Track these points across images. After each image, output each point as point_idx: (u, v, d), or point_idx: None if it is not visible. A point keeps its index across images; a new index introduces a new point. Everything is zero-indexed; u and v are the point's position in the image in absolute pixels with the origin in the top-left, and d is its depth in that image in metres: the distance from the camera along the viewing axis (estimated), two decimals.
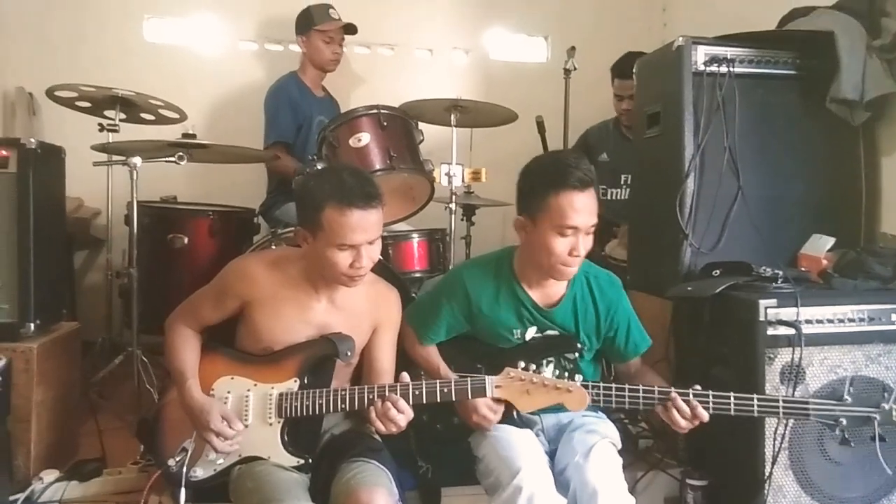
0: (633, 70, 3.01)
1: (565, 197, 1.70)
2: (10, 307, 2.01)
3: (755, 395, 1.67)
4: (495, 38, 4.13)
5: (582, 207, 1.70)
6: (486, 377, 1.67)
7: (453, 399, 1.69)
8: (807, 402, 1.68)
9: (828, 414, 1.66)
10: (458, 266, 2.25)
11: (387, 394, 1.67)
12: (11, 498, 1.88)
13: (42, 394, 2.05)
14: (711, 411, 1.67)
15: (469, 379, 1.68)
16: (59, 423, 2.17)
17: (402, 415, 1.66)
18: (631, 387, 1.73)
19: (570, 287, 1.87)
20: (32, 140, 2.07)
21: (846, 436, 1.68)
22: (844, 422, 1.65)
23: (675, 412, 1.67)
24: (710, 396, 1.67)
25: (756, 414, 1.67)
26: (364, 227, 1.68)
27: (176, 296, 1.94)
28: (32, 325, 2.05)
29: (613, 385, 1.74)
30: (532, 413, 1.89)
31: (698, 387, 1.69)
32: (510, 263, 1.90)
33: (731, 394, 1.67)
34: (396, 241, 2.79)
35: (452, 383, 1.69)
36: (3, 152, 2.03)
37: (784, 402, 1.68)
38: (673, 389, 1.69)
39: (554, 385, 1.63)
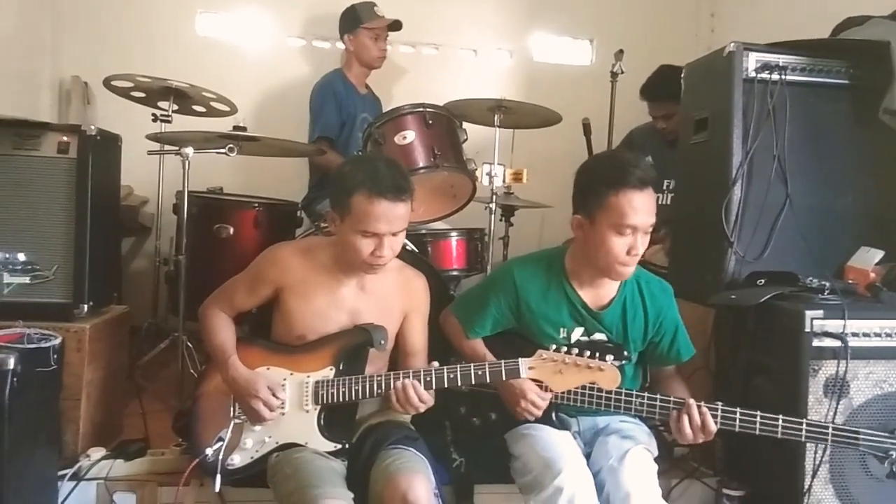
0: (657, 90, 3.05)
1: (625, 196, 1.70)
2: (65, 288, 2.07)
3: (804, 420, 1.66)
4: (540, 40, 4.13)
5: (641, 207, 1.70)
6: (520, 359, 1.69)
7: (487, 381, 1.72)
8: (857, 433, 1.66)
9: (878, 446, 1.65)
10: (507, 261, 2.26)
11: (407, 380, 1.72)
12: (60, 472, 1.93)
13: (92, 373, 2.11)
14: (758, 432, 1.67)
15: (503, 361, 1.71)
16: (107, 402, 2.23)
17: (423, 403, 1.72)
18: (649, 395, 1.78)
19: (621, 290, 1.87)
20: (93, 127, 2.13)
21: (895, 469, 1.65)
22: (894, 455, 1.63)
23: (685, 419, 1.68)
24: (758, 417, 1.67)
25: (804, 439, 1.67)
26: (389, 217, 1.73)
27: (219, 284, 1.99)
28: (86, 307, 2.11)
29: (634, 393, 1.79)
30: (569, 415, 1.91)
31: (720, 404, 1.70)
32: (561, 262, 1.90)
33: (780, 416, 1.66)
34: (435, 240, 2.81)
35: (486, 365, 1.72)
36: (65, 138, 2.09)
37: (834, 429, 1.67)
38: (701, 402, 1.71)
39: (586, 364, 1.65)
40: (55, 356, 1.78)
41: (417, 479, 1.63)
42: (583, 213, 1.79)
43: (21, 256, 1.54)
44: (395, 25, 3.46)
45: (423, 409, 1.74)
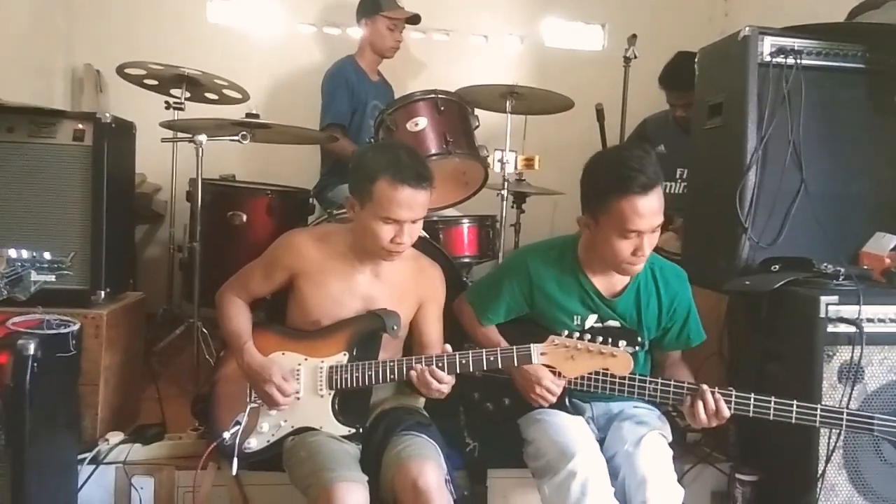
0: (677, 79, 2.99)
1: (628, 202, 1.66)
2: (82, 275, 2.09)
3: (819, 405, 1.67)
4: (551, 25, 4.10)
5: (645, 212, 1.67)
6: (532, 345, 1.69)
7: (500, 366, 1.72)
8: (872, 418, 1.66)
9: (893, 431, 1.65)
10: (521, 248, 2.27)
11: (428, 365, 1.73)
12: (80, 456, 1.97)
13: (109, 359, 2.13)
14: (772, 417, 1.67)
15: (514, 347, 1.71)
16: (124, 388, 2.26)
17: (444, 384, 1.72)
18: (662, 380, 1.79)
19: (635, 277, 1.86)
20: (107, 114, 2.13)
21: None
22: None
23: (699, 404, 1.69)
24: (772, 403, 1.67)
25: (818, 425, 1.67)
26: (412, 204, 1.74)
27: (233, 271, 2.01)
28: (103, 293, 2.13)
29: (648, 378, 1.80)
30: (583, 401, 1.92)
31: (732, 389, 1.71)
32: (574, 250, 1.90)
33: (794, 402, 1.66)
34: (447, 226, 2.81)
35: (498, 351, 1.73)
36: (80, 126, 2.10)
37: (849, 415, 1.67)
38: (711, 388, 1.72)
39: (598, 350, 1.65)
40: (74, 342, 1.80)
41: (428, 465, 1.65)
42: (588, 214, 1.78)
43: (47, 255, 1.55)
44: (414, 19, 3.45)
45: (445, 389, 1.74)
